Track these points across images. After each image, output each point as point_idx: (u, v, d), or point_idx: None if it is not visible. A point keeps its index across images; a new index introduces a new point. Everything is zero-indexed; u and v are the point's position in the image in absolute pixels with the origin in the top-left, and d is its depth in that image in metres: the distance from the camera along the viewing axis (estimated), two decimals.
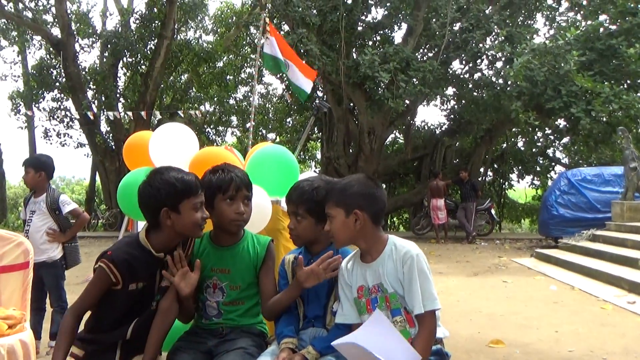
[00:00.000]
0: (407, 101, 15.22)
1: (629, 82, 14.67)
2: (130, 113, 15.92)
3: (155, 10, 19.50)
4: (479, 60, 16.58)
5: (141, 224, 8.70)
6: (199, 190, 2.31)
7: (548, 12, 18.68)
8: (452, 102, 19.34)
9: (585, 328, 5.41)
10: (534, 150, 20.96)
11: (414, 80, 14.73)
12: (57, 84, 20.10)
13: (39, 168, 4.78)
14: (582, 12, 17.91)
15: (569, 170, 14.52)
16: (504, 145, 21.12)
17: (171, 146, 3.13)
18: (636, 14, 14.09)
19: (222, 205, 2.44)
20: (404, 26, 17.77)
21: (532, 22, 18.78)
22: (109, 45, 19.29)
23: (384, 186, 21.06)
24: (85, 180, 27.61)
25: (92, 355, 2.29)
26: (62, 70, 19.00)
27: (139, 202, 2.32)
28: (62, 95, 20.44)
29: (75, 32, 19.27)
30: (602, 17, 15.59)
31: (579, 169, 13.77)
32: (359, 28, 17.07)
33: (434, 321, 2.07)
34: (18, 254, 3.31)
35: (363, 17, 17.03)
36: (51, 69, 19.99)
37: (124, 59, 20.03)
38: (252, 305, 2.49)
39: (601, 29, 14.67)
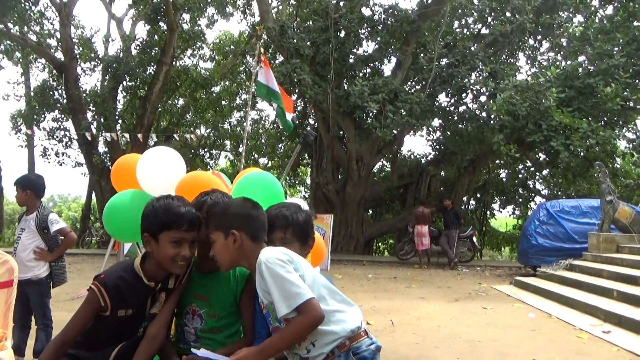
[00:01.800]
0: (394, 131, 15.80)
1: (605, 119, 15.40)
2: (127, 135, 16.44)
3: (156, 37, 20.19)
4: (464, 94, 17.29)
5: (127, 246, 8.86)
6: (184, 227, 2.26)
7: (530, 52, 19.57)
8: (438, 133, 20.09)
9: (561, 357, 5.65)
10: (515, 181, 21.67)
11: (402, 111, 15.36)
12: (58, 105, 20.67)
13: (26, 187, 4.84)
14: (561, 53, 18.81)
15: (548, 201, 15.05)
16: (487, 176, 21.82)
17: (158, 169, 3.10)
18: (612, 56, 14.88)
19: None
20: (394, 60, 18.52)
21: (514, 60, 19.68)
22: (109, 69, 19.92)
23: (370, 212, 21.67)
24: (82, 198, 27.90)
25: None
26: (64, 92, 19.57)
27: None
28: (62, 115, 20.99)
29: (77, 56, 19.91)
30: (581, 58, 16.40)
31: (557, 201, 14.27)
32: (350, 60, 17.77)
33: (308, 312, 2.02)
34: (2, 272, 3.20)
35: (354, 50, 17.76)
36: (53, 91, 20.55)
37: (124, 82, 20.64)
38: (231, 334, 2.47)
39: (580, 69, 15.45)
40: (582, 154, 14.60)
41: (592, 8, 18.43)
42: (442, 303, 8.96)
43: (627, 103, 15.29)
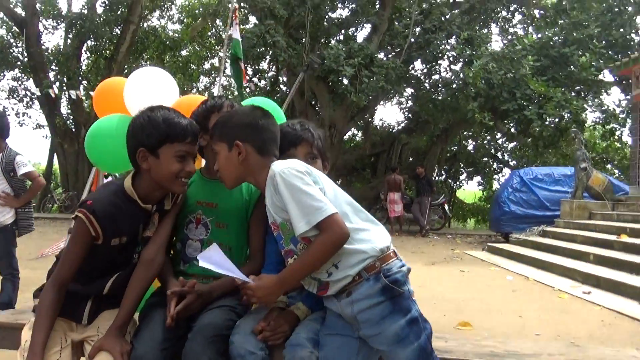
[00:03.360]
0: (369, 96, 15.60)
1: (578, 89, 15.48)
2: (93, 93, 15.65)
3: None
4: (440, 61, 17.16)
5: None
6: (188, 139, 2.01)
7: (502, 24, 19.50)
8: (411, 102, 19.93)
9: (547, 315, 5.66)
10: (484, 152, 21.80)
11: (377, 76, 15.15)
12: (19, 62, 19.76)
13: None
14: (533, 25, 18.77)
15: (522, 169, 15.15)
16: (457, 146, 21.87)
17: (149, 92, 2.80)
18: (588, 26, 14.89)
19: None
20: (368, 27, 18.20)
21: (487, 31, 19.56)
22: (73, 27, 19.06)
23: (340, 180, 21.54)
24: (42, 164, 27.01)
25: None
26: (24, 50, 18.69)
27: (126, 139, 2.07)
28: (23, 74, 20.11)
29: (39, 12, 18.98)
30: (556, 29, 16.38)
31: (530, 168, 14.39)
32: (325, 24, 17.39)
33: (331, 229, 1.77)
34: None
35: (330, 14, 17.36)
36: (12, 48, 19.64)
37: (89, 42, 19.83)
38: (240, 254, 2.24)
39: (555, 38, 15.44)
40: (553, 124, 14.65)
41: None
42: (419, 266, 8.93)
43: (602, 73, 15.42)
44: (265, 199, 1.95)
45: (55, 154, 20.72)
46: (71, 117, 19.80)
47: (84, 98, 16.66)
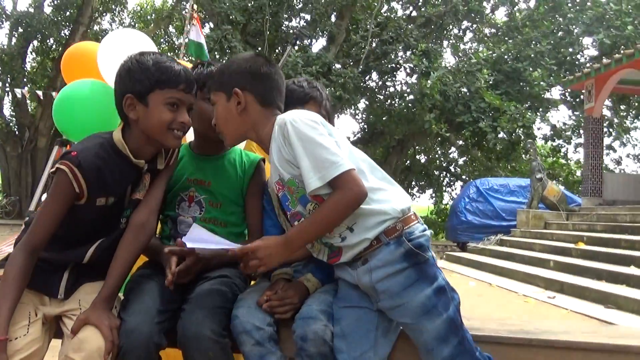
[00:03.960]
0: None
1: (529, 103, 15.88)
2: (39, 93, 14.80)
3: None
4: (396, 72, 17.27)
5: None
6: (181, 85, 1.76)
7: (454, 41, 19.91)
8: (365, 114, 20.00)
9: (520, 317, 5.58)
10: (436, 164, 22.10)
11: (335, 85, 15.11)
12: None
13: None
14: (484, 43, 19.23)
15: (478, 179, 15.36)
16: (408, 162, 22.06)
17: (126, 54, 2.70)
18: (539, 42, 15.32)
19: (201, 103, 1.96)
20: (325, 36, 18.21)
21: (439, 47, 19.94)
22: (19, 27, 18.26)
23: None
24: None
25: (33, 274, 1.70)
26: None
27: (114, 87, 1.85)
28: None
29: None
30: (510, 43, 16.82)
31: (486, 179, 14.59)
32: (283, 32, 17.29)
33: (347, 186, 1.55)
34: None
35: (287, 23, 17.27)
36: None
37: (35, 42, 19.04)
38: (237, 233, 2.04)
39: (508, 54, 15.84)
40: (507, 136, 14.97)
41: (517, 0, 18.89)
42: None
43: (551, 90, 15.91)
44: (270, 154, 1.72)
45: None
46: (14, 119, 18.90)
47: (28, 99, 15.88)
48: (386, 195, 1.64)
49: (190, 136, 2.19)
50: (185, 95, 1.77)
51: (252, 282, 1.99)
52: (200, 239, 1.68)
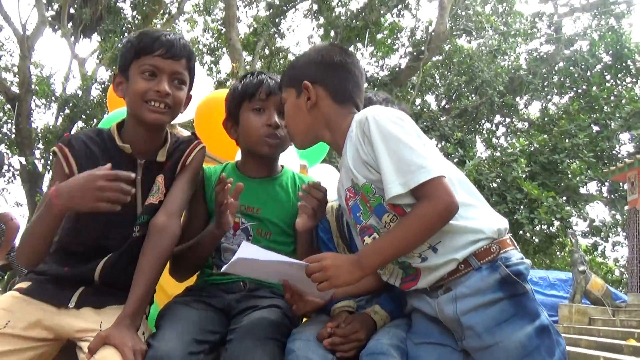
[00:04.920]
0: None
1: (566, 196, 15.59)
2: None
3: None
4: None
5: None
6: (160, 50, 1.58)
7: (487, 135, 20.00)
8: None
9: None
10: None
11: None
12: (6, 139, 19.55)
13: None
14: (517, 136, 19.27)
15: None
16: None
17: None
18: (576, 135, 15.28)
19: (248, 115, 1.81)
20: None
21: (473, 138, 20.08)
22: (66, 108, 19.06)
23: None
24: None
25: (41, 284, 1.57)
26: (13, 126, 18.52)
27: None
28: (9, 151, 19.80)
29: (33, 90, 19.01)
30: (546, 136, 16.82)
31: None
32: None
33: (436, 195, 1.31)
34: None
35: None
36: (1, 123, 19.54)
37: (80, 122, 19.77)
38: None
39: (545, 146, 15.78)
40: (545, 229, 14.60)
41: (550, 96, 19.10)
42: None
43: (589, 183, 15.65)
44: (343, 156, 1.48)
45: None
46: None
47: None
48: (478, 213, 1.41)
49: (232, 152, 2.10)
50: (164, 61, 1.58)
51: (305, 319, 1.78)
52: (254, 255, 1.44)
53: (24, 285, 1.57)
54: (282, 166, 1.98)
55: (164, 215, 1.60)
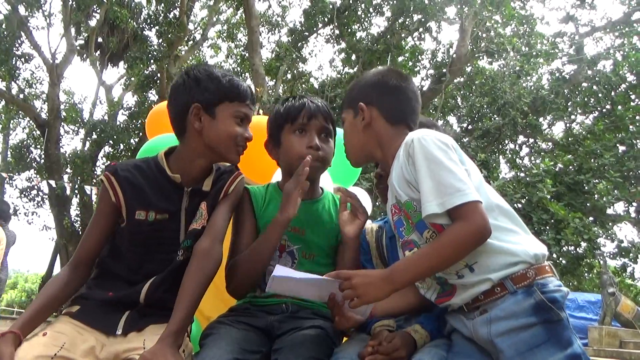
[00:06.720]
0: None
1: (593, 217, 15.37)
2: None
3: (146, 106, 19.99)
4: None
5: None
6: (248, 101, 1.74)
7: (510, 155, 19.86)
8: None
9: None
10: None
11: None
12: (34, 164, 20.02)
13: None
14: (541, 157, 19.15)
15: None
16: None
17: None
18: (602, 155, 15.12)
19: (290, 137, 1.89)
20: None
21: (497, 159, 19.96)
22: (93, 133, 19.47)
23: None
24: (40, 273, 26.59)
25: (89, 309, 1.65)
26: (42, 152, 18.96)
27: (168, 101, 1.82)
28: (38, 175, 20.26)
29: (62, 117, 19.48)
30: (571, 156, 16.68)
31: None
32: None
33: (470, 218, 1.38)
34: None
35: None
36: (31, 149, 19.98)
37: (106, 147, 20.15)
38: None
39: (570, 166, 15.64)
40: (572, 250, 14.40)
41: (574, 116, 18.96)
42: None
43: (616, 203, 15.41)
44: (390, 174, 1.60)
45: (58, 256, 20.26)
46: (79, 219, 19.61)
47: (94, 201, 16.61)
48: (517, 238, 1.47)
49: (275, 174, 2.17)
50: (251, 111, 1.77)
51: (345, 339, 1.83)
52: (288, 275, 1.56)
53: (73, 309, 1.66)
54: (322, 189, 2.06)
55: (209, 240, 1.69)
